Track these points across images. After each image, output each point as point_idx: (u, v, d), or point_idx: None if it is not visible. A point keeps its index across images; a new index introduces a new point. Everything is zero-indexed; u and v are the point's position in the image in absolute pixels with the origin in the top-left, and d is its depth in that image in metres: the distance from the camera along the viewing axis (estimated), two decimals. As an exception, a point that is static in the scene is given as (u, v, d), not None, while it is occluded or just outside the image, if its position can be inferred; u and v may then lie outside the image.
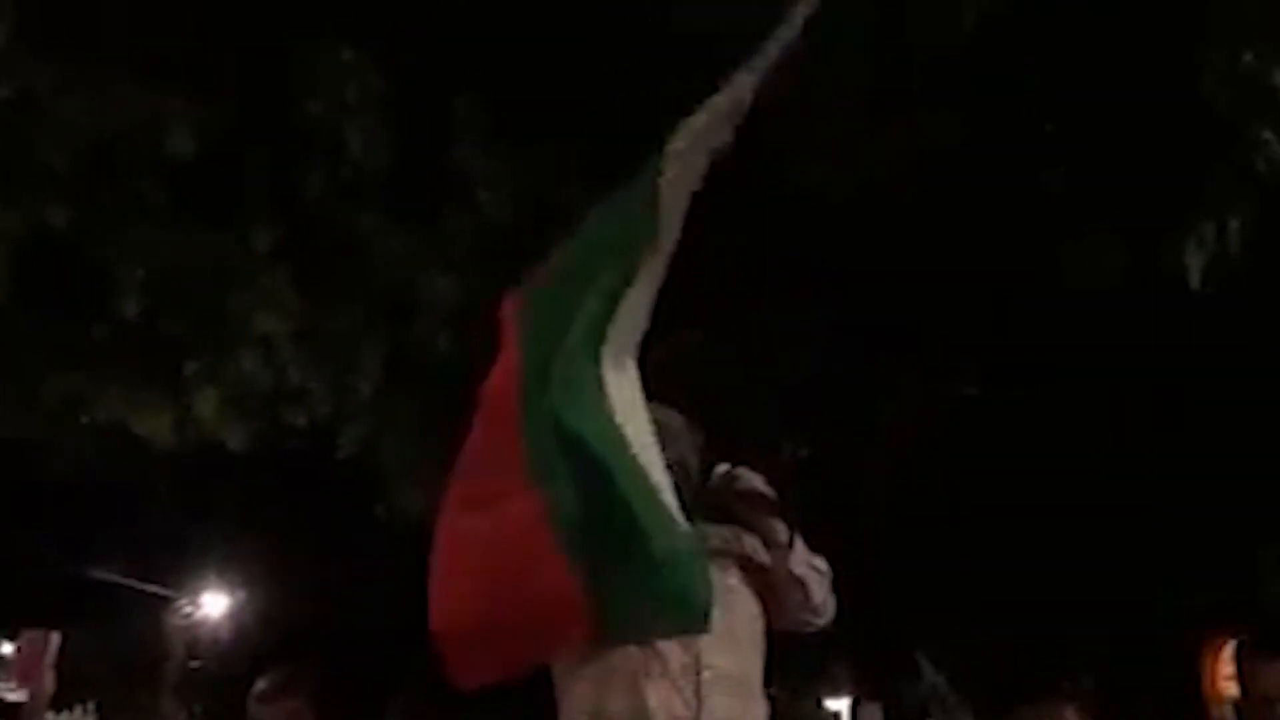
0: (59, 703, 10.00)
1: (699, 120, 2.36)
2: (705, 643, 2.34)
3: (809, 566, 2.51)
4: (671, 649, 2.34)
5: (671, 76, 4.76)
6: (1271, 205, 3.79)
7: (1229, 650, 8.44)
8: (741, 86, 2.30)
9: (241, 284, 4.70)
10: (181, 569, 10.88)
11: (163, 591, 11.20)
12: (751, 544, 2.52)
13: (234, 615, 11.68)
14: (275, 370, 4.73)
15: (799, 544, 2.50)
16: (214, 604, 11.76)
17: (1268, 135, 3.51)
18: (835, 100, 4.21)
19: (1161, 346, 5.71)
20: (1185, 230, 3.94)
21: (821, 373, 5.79)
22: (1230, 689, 7.82)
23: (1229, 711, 7.52)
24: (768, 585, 2.51)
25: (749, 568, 2.50)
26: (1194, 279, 3.95)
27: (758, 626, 2.50)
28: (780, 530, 2.49)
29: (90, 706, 10.52)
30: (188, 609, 11.65)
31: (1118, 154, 4.07)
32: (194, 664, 11.56)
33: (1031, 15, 4.06)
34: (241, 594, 11.56)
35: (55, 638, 3.32)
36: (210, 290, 4.67)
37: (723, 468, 2.53)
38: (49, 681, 3.32)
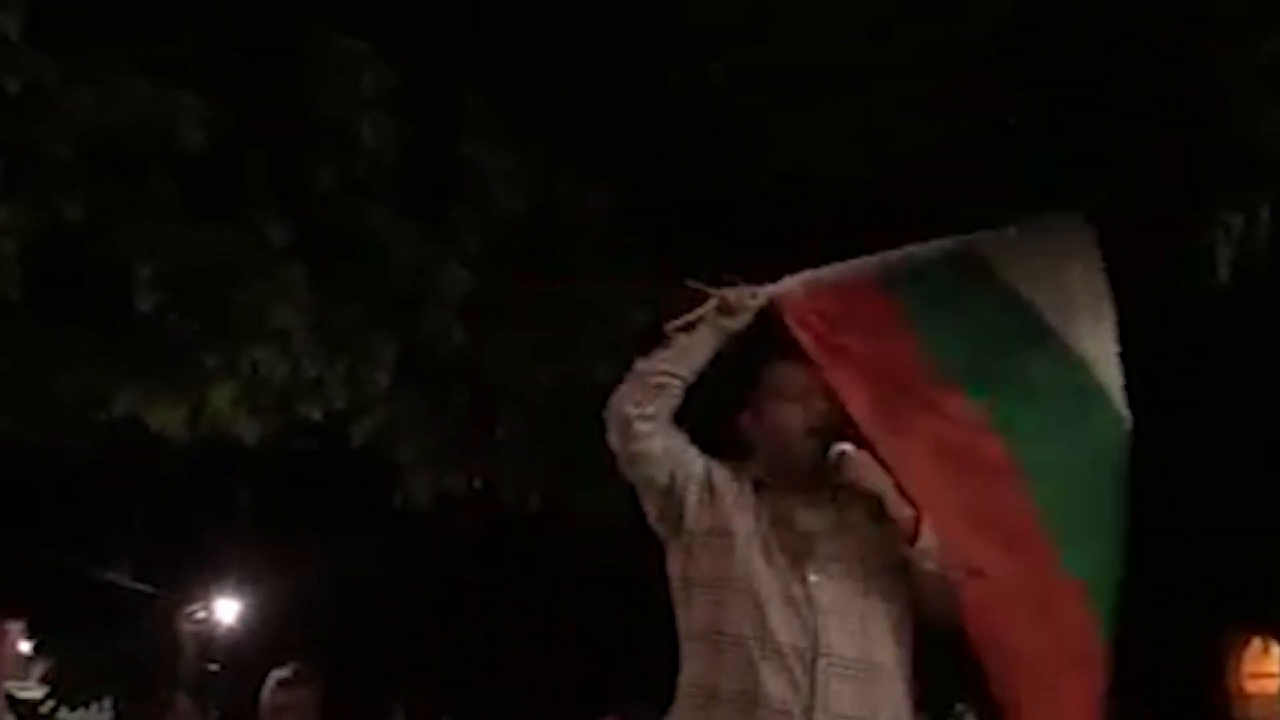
0: (75, 701, 10.02)
1: None
2: (825, 628, 2.22)
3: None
4: (788, 631, 2.22)
5: (683, 72, 4.79)
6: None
7: (1253, 647, 8.36)
8: None
9: (255, 278, 4.69)
10: (194, 572, 10.95)
11: (175, 596, 11.28)
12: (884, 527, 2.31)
13: (245, 620, 11.77)
14: (291, 363, 4.72)
15: (926, 534, 2.29)
16: (226, 609, 11.86)
17: None
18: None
19: (1178, 338, 5.63)
20: (1214, 222, 3.85)
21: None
22: (1268, 687, 7.72)
23: (1254, 709, 7.44)
24: (908, 571, 2.30)
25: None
26: (1223, 272, 3.87)
27: (896, 612, 2.31)
28: (904, 519, 2.28)
29: (106, 704, 10.55)
30: (200, 613, 11.73)
31: (1138, 141, 4.00)
32: (211, 667, 11.61)
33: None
34: (252, 598, 11.64)
35: (15, 627, 3.32)
36: (224, 285, 4.66)
37: (839, 447, 2.32)
38: (7, 668, 3.37)
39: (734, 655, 2.22)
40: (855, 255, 2.70)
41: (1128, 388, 2.54)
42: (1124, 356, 2.58)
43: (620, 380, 2.45)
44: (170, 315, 4.59)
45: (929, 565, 2.28)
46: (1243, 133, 3.58)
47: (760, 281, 2.49)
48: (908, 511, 2.28)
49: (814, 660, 2.20)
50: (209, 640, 11.87)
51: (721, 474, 2.39)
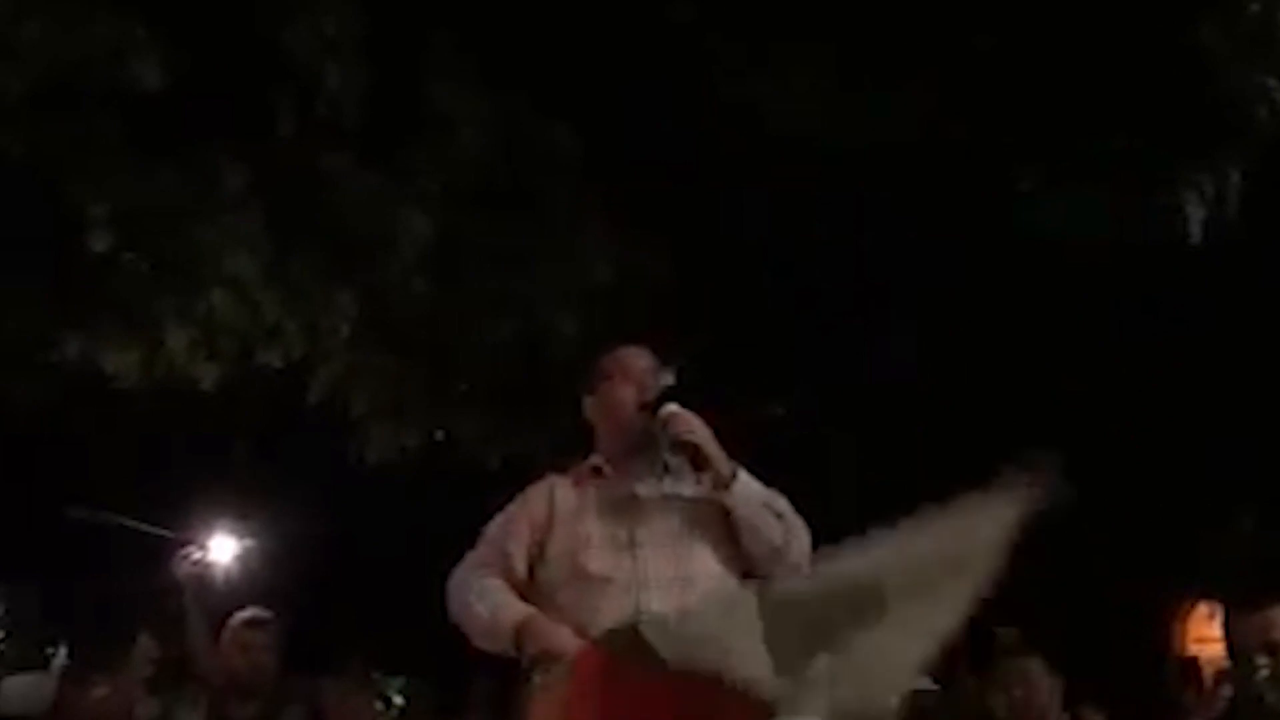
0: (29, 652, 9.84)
1: None
2: (650, 600, 2.29)
3: (762, 506, 2.39)
4: (609, 600, 2.30)
5: (649, 13, 4.72)
6: (1270, 155, 3.73)
7: (1198, 612, 8.53)
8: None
9: (209, 222, 4.61)
10: (189, 514, 10.72)
11: (168, 534, 10.97)
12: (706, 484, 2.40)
13: (242, 560, 11.51)
14: (248, 309, 4.66)
15: (744, 481, 2.39)
16: (221, 548, 11.52)
17: (1270, 82, 3.44)
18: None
19: (1137, 304, 5.67)
20: (1185, 182, 3.86)
21: (796, 332, 5.75)
22: (1211, 651, 7.86)
23: (1193, 670, 7.60)
24: (730, 523, 2.39)
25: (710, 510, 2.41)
26: (1195, 233, 3.89)
27: (724, 576, 2.39)
28: (722, 466, 2.38)
29: (61, 652, 10.43)
30: (196, 554, 11.39)
31: (1116, 104, 4.00)
32: (176, 604, 11.37)
33: None
34: (249, 539, 11.40)
35: None
36: (178, 227, 4.58)
37: (668, 407, 2.42)
38: None
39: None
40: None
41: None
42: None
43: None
44: (123, 257, 4.50)
45: (744, 510, 2.36)
46: (1221, 92, 3.58)
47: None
48: (725, 461, 2.37)
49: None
50: (203, 580, 11.46)
51: (537, 514, 2.45)
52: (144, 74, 4.27)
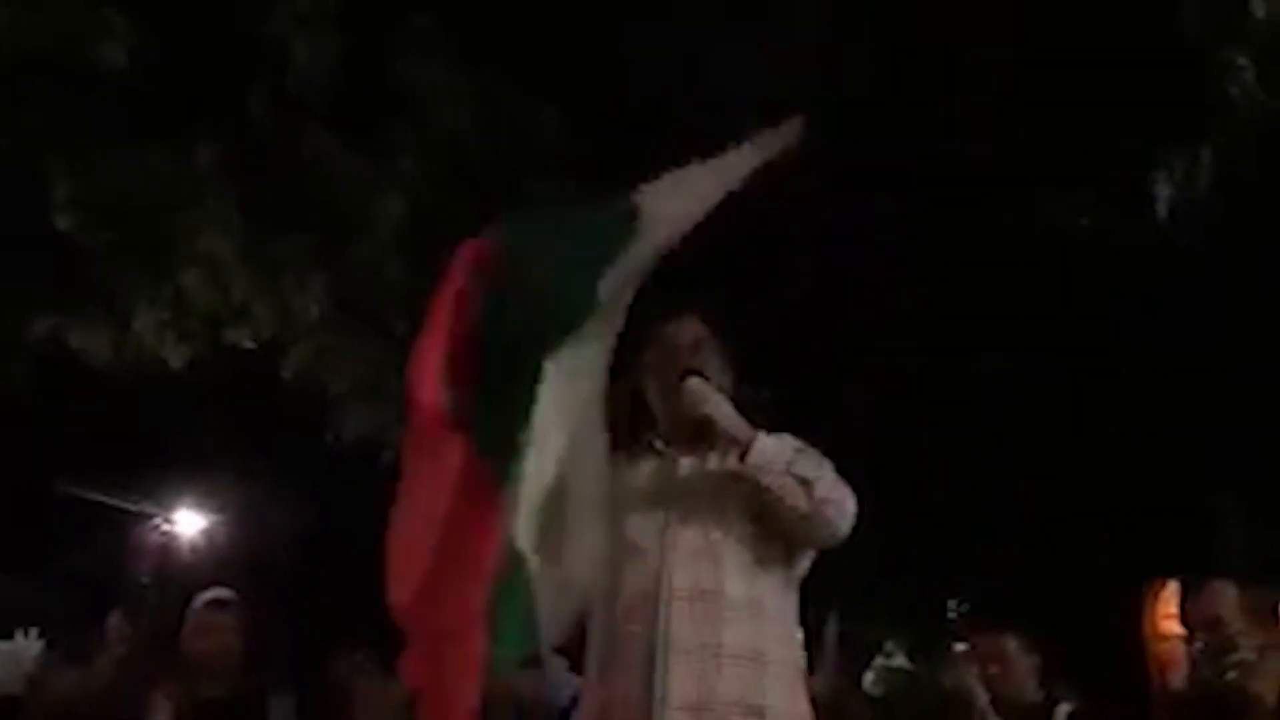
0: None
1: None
2: (674, 568, 2.32)
3: (785, 474, 2.35)
4: (635, 565, 2.33)
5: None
6: (1243, 134, 3.74)
7: (1169, 591, 8.61)
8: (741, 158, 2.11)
9: (185, 202, 4.56)
10: (156, 485, 10.55)
11: (134, 507, 10.75)
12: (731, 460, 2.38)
13: (208, 534, 11.30)
14: (218, 289, 4.62)
15: (761, 450, 2.35)
16: (188, 522, 11.26)
17: (1242, 61, 3.46)
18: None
19: (1118, 290, 5.69)
20: (1156, 161, 3.88)
21: (789, 317, 5.75)
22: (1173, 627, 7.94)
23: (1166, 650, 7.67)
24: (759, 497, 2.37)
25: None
26: (1161, 210, 3.91)
27: (761, 550, 2.38)
28: (739, 436, 2.36)
29: (33, 634, 10.31)
30: (164, 526, 11.17)
31: (1090, 83, 4.00)
32: (144, 580, 11.23)
33: None
34: (210, 518, 11.20)
35: None
36: (152, 208, 4.53)
37: (686, 381, 2.41)
38: None
39: (601, 610, 2.34)
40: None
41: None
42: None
43: None
44: (94, 238, 4.45)
45: (764, 479, 2.34)
46: (1194, 71, 3.59)
47: None
48: (743, 430, 2.35)
49: (662, 600, 2.29)
50: (166, 554, 11.32)
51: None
52: (109, 54, 4.22)
